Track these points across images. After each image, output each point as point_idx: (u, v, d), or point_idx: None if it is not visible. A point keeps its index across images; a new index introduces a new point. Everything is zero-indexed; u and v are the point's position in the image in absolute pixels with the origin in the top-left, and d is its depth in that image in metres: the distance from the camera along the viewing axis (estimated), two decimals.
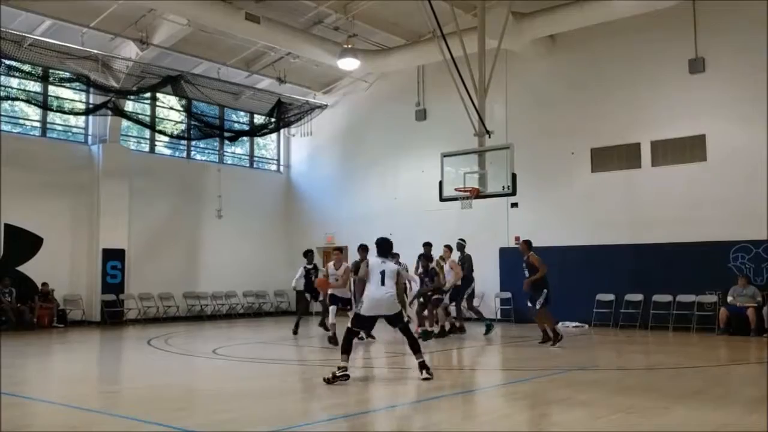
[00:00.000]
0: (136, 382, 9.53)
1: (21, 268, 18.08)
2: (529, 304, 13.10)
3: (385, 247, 9.21)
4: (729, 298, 15.00)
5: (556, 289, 17.57)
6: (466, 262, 15.15)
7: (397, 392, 8.64)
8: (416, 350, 8.75)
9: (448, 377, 9.54)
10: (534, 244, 18.26)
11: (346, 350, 8.68)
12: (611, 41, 17.49)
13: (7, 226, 17.75)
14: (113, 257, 19.36)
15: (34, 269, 18.17)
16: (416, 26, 19.43)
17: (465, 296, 15.16)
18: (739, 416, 6.65)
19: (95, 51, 17.75)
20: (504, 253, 18.98)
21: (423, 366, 8.63)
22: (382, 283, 8.81)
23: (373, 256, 9.26)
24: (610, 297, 17.09)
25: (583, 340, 14.60)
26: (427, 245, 15.04)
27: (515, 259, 18.32)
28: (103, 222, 19.32)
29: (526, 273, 13.01)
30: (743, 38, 15.71)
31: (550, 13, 16.59)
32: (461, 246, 15.37)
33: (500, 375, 10.22)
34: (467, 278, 15.11)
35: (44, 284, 17.98)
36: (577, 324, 17.07)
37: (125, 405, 7.71)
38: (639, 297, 16.61)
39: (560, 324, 17.09)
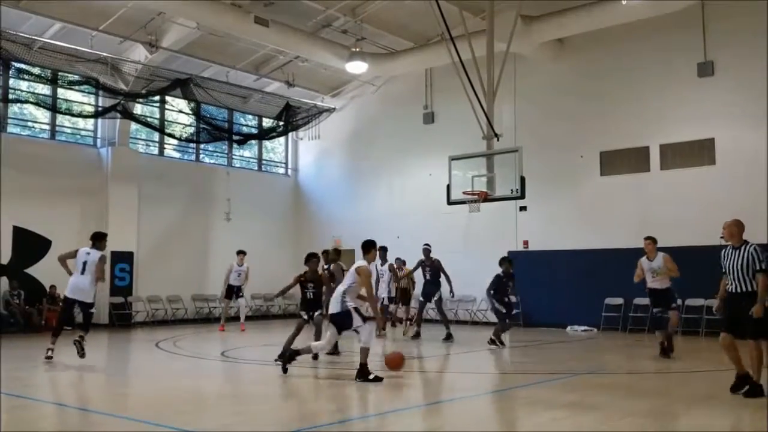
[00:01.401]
0: (144, 384, 9.54)
1: (29, 271, 18.13)
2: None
3: (96, 238, 11.29)
4: None
5: (564, 292, 17.69)
6: (433, 268, 15.10)
7: (406, 395, 8.63)
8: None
9: (458, 380, 9.52)
10: (543, 248, 18.41)
11: (56, 333, 11.22)
12: (620, 44, 17.45)
13: (16, 229, 17.82)
14: (122, 260, 19.40)
15: (42, 272, 18.20)
16: (424, 29, 19.43)
17: (435, 300, 15.16)
18: (749, 420, 6.61)
19: (104, 54, 17.78)
20: (512, 256, 18.87)
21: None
22: (83, 272, 10.91)
23: (84, 248, 11.22)
24: (619, 301, 17.02)
25: (592, 344, 14.55)
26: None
27: (524, 263, 18.41)
28: (111, 225, 19.27)
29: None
30: (752, 41, 15.64)
31: (559, 16, 16.57)
32: (427, 251, 15.27)
33: (510, 379, 10.18)
34: (435, 282, 15.10)
35: (52, 287, 18.01)
36: (585, 328, 17.04)
37: (134, 407, 7.72)
38: (647, 301, 16.49)
39: (569, 328, 17.12)
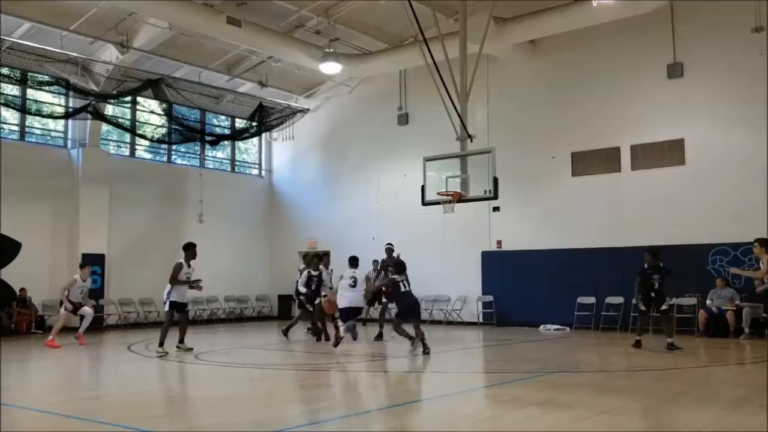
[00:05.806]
0: (116, 387, 9.44)
1: None
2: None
3: None
4: (708, 301, 15.14)
5: (537, 292, 17.82)
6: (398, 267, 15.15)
7: (379, 396, 8.63)
8: None
9: (431, 380, 9.55)
10: (516, 248, 18.56)
11: None
12: (591, 46, 17.64)
13: None
14: (93, 262, 19.07)
15: (12, 275, 17.84)
16: (398, 30, 19.46)
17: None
18: (721, 416, 6.70)
19: (75, 54, 17.59)
20: (486, 256, 19.04)
21: None
22: None
23: None
24: (591, 300, 17.19)
25: (565, 343, 14.67)
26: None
27: (497, 263, 18.57)
28: (82, 227, 19.11)
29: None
30: (721, 43, 15.92)
31: (531, 18, 16.69)
32: (390, 250, 15.33)
33: (483, 378, 10.24)
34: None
35: (22, 290, 17.73)
36: (558, 327, 17.16)
37: (105, 411, 7.63)
38: (619, 300, 16.71)
39: (542, 327, 17.24)
